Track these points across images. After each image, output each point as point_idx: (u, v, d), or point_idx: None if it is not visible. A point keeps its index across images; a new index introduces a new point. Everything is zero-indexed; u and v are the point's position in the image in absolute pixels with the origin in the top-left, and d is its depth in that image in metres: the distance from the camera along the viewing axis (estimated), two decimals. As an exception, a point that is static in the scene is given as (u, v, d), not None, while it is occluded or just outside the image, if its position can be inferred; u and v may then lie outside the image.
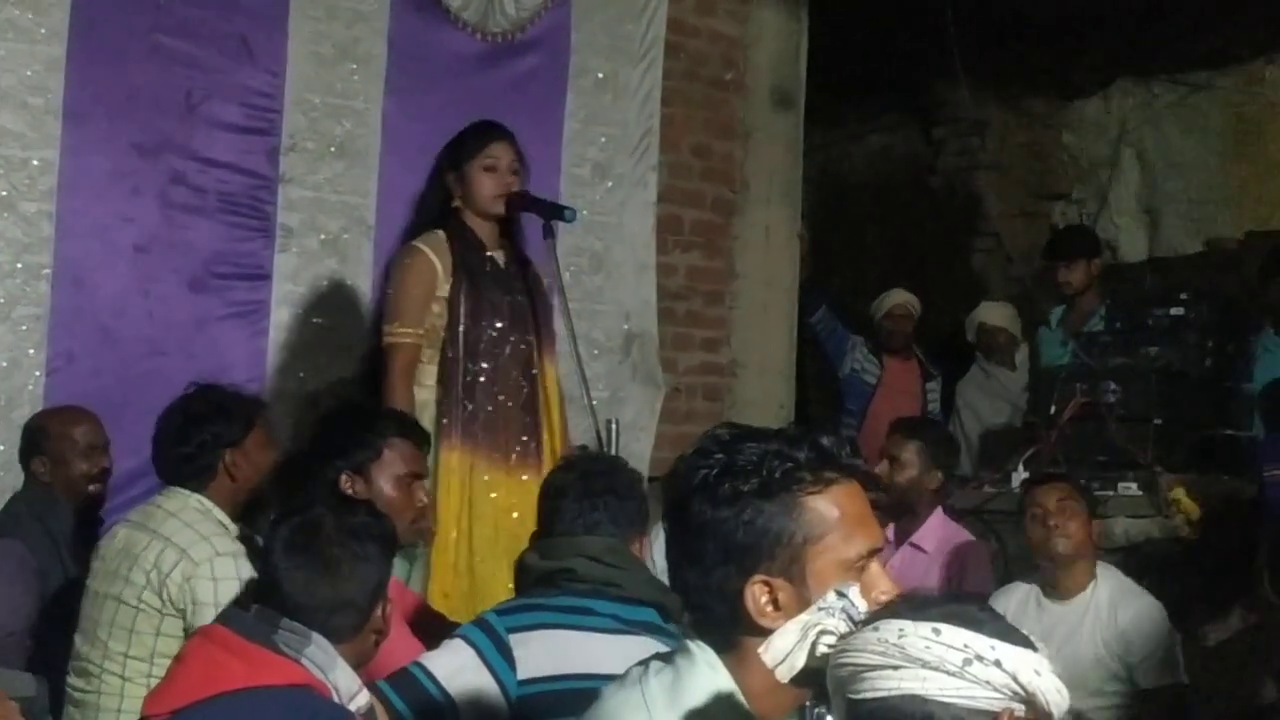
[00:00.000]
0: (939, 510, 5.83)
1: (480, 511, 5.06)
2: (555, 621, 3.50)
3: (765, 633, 2.26)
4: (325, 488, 4.03)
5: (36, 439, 5.16)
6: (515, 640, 3.45)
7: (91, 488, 5.17)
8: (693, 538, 2.30)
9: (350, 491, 4.07)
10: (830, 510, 2.29)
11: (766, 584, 2.25)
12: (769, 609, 2.25)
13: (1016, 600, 5.37)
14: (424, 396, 5.15)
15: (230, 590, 4.05)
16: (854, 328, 8.85)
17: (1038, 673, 1.98)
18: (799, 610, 2.25)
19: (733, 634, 2.30)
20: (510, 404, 5.16)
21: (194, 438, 4.30)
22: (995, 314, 8.79)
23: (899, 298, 8.81)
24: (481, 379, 5.12)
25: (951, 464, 6.09)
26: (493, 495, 5.07)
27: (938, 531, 5.75)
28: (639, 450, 6.86)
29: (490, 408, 5.12)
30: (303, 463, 4.27)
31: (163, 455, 4.37)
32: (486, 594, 4.94)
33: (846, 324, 8.84)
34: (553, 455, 5.10)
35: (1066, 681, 2.03)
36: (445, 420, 5.09)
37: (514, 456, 5.13)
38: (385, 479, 4.19)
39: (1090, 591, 5.32)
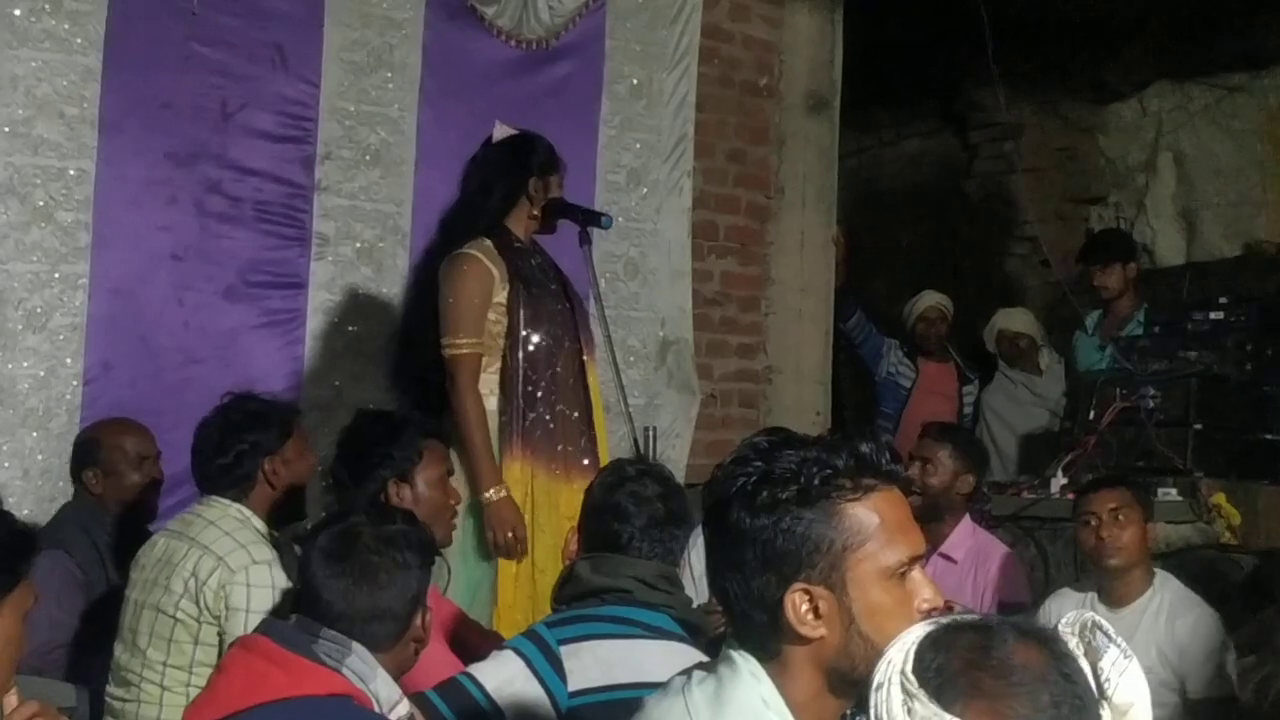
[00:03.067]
0: (966, 518, 5.76)
1: (541, 521, 5.06)
2: (604, 632, 3.50)
3: (806, 641, 2.24)
4: (370, 496, 4.05)
5: (89, 450, 5.18)
6: (566, 652, 3.44)
7: (143, 498, 5.17)
8: (732, 546, 2.29)
9: (397, 498, 4.11)
10: (870, 517, 2.27)
11: (807, 592, 2.24)
12: (809, 617, 2.24)
13: (1070, 607, 5.29)
14: (488, 406, 5.15)
15: (265, 598, 4.06)
16: (888, 331, 8.82)
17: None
18: (840, 618, 2.23)
19: (774, 642, 2.28)
20: (569, 413, 5.16)
21: (232, 447, 4.31)
22: (1014, 320, 8.75)
23: (931, 299, 8.78)
24: (542, 388, 5.11)
25: (983, 469, 6.04)
26: (553, 504, 5.07)
27: (967, 540, 5.68)
28: (675, 457, 6.85)
29: (549, 417, 5.12)
30: (342, 474, 4.26)
31: (202, 466, 4.37)
32: (547, 604, 4.93)
33: (880, 328, 8.81)
34: (596, 460, 5.08)
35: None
36: (508, 430, 5.08)
37: (571, 463, 5.12)
38: (426, 482, 4.26)
39: (1147, 599, 5.23)
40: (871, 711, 1.90)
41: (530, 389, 5.10)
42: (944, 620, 1.97)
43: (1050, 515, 6.47)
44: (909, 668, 1.89)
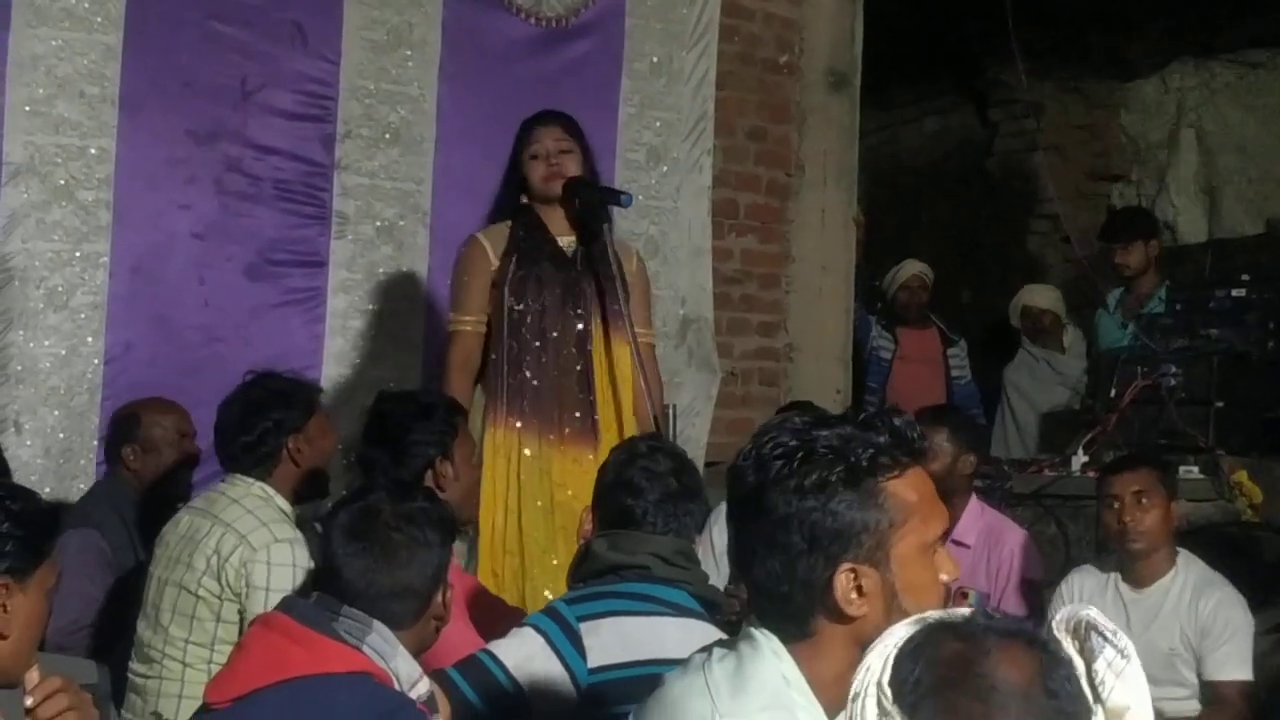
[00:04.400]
0: (973, 500, 5.71)
1: (530, 488, 5.04)
2: (624, 609, 3.49)
3: (848, 620, 2.25)
4: (415, 476, 4.08)
5: (128, 426, 5.18)
6: (586, 629, 3.44)
7: (177, 477, 5.18)
8: (774, 528, 2.28)
9: (442, 476, 4.18)
10: (909, 494, 2.29)
11: (853, 571, 2.24)
12: (854, 596, 2.24)
13: (1093, 585, 5.27)
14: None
15: (285, 576, 4.06)
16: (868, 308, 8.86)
17: None
18: (883, 596, 2.24)
19: (811, 622, 2.28)
20: (563, 379, 5.13)
21: (256, 425, 4.30)
22: (1040, 296, 8.73)
23: (914, 268, 8.84)
24: (528, 356, 5.10)
25: (982, 446, 6.01)
26: (542, 471, 5.06)
27: (977, 523, 5.61)
28: (695, 435, 6.85)
29: (537, 382, 5.10)
30: (379, 455, 4.27)
31: (225, 444, 4.37)
32: (538, 571, 4.94)
33: (872, 308, 8.84)
34: (620, 434, 5.06)
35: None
36: (491, 398, 5.09)
37: (567, 431, 5.11)
38: (463, 459, 4.28)
39: (1170, 579, 5.19)
40: None
41: (515, 356, 5.09)
42: (930, 620, 1.91)
43: (1071, 493, 6.45)
44: (886, 679, 1.86)
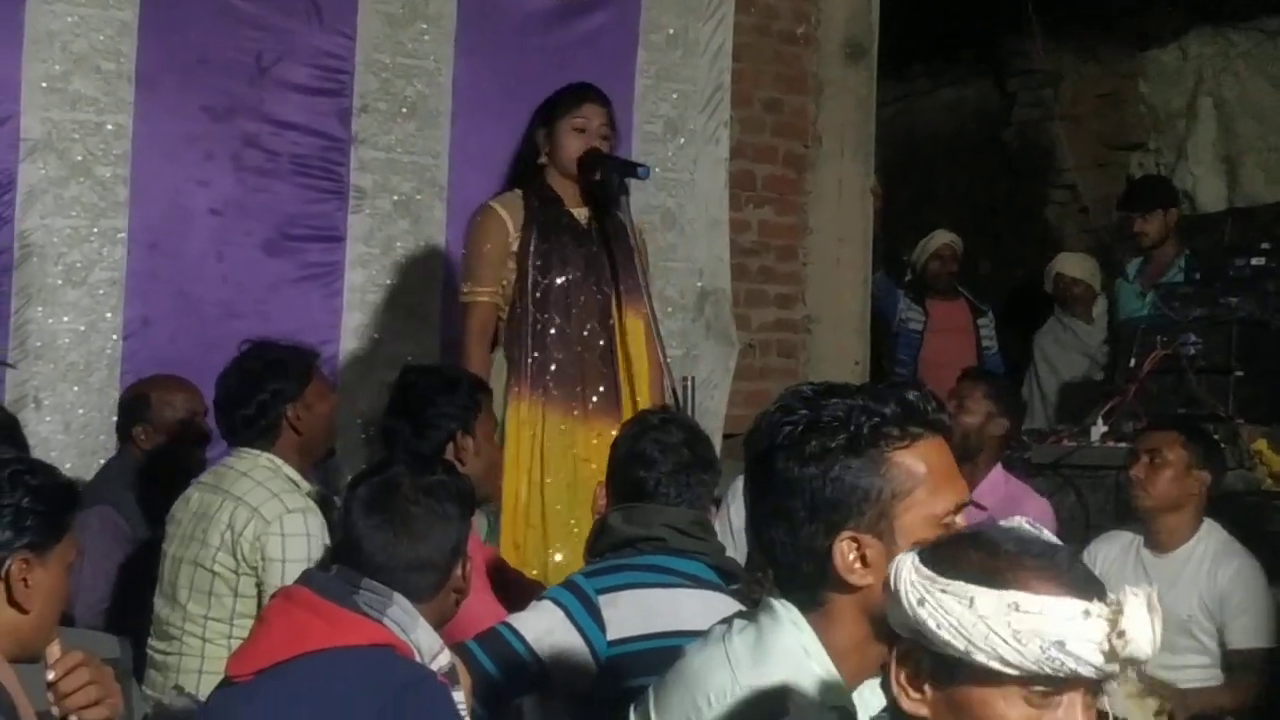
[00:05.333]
0: (999, 467, 5.71)
1: (553, 462, 5.05)
2: (642, 581, 3.51)
3: (853, 590, 2.24)
4: (436, 449, 4.08)
5: (138, 406, 5.17)
6: (604, 601, 3.45)
7: (190, 454, 5.18)
8: (779, 495, 2.28)
9: (463, 450, 4.19)
10: (917, 465, 2.27)
11: (855, 540, 2.23)
12: (857, 565, 2.23)
13: (1118, 549, 5.28)
14: (501, 357, 5.15)
15: (300, 546, 4.07)
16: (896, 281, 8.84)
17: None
18: (886, 567, 2.22)
19: (820, 591, 2.28)
20: (586, 354, 5.14)
21: (253, 397, 4.29)
22: (1073, 265, 8.70)
23: (944, 238, 8.81)
24: (552, 330, 5.10)
25: (1017, 415, 5.99)
26: (566, 444, 5.06)
27: (999, 489, 5.60)
28: (714, 408, 6.84)
29: (561, 357, 5.10)
30: (401, 427, 4.28)
31: (225, 417, 4.38)
32: (560, 544, 4.95)
33: (900, 281, 8.82)
34: (634, 407, 5.07)
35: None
36: (514, 371, 5.09)
37: (590, 405, 5.11)
38: (484, 434, 4.28)
39: (1191, 546, 5.19)
40: (939, 626, 1.86)
41: (539, 330, 5.09)
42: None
43: (1090, 464, 6.44)
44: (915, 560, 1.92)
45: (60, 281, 5.49)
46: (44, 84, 5.46)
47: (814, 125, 7.51)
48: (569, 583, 3.57)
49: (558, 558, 4.92)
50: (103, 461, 5.39)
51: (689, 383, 5.87)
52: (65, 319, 5.50)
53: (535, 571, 4.81)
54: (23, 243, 5.43)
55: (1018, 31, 9.21)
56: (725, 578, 3.61)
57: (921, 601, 1.87)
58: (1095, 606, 1.83)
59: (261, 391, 4.29)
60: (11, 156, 5.41)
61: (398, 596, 3.01)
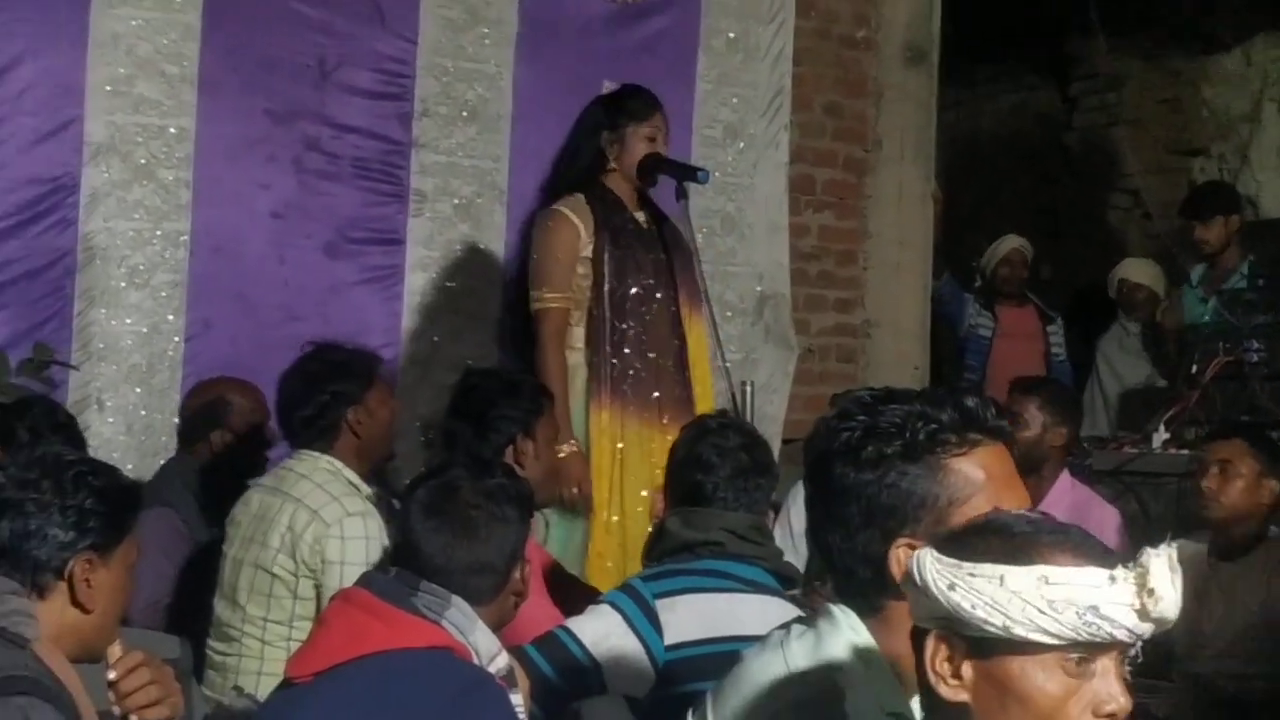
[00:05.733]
0: (1065, 473, 5.67)
1: (633, 469, 5.05)
2: (700, 585, 3.51)
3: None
4: (497, 452, 4.09)
5: (217, 410, 5.20)
6: (662, 605, 3.45)
7: (255, 456, 5.21)
8: (835, 501, 2.27)
9: (523, 453, 4.21)
10: (975, 472, 2.25)
11: (911, 547, 2.21)
12: (913, 571, 2.22)
13: (1186, 560, 5.22)
14: (575, 360, 5.15)
15: (358, 549, 4.08)
16: (965, 285, 8.79)
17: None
18: None
19: (877, 597, 2.26)
20: (661, 361, 5.15)
21: (315, 398, 4.30)
22: (1137, 270, 8.65)
23: (1014, 242, 8.75)
24: (630, 336, 5.11)
25: (1076, 421, 5.94)
26: (646, 452, 5.06)
27: (1067, 496, 5.56)
28: (772, 412, 6.83)
29: (639, 364, 5.11)
30: (461, 429, 4.29)
31: (286, 419, 4.40)
32: (639, 552, 4.94)
33: (968, 285, 8.78)
34: (694, 412, 5.07)
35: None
36: (594, 380, 5.09)
37: (667, 415, 5.12)
38: (544, 439, 4.29)
39: (1256, 555, 5.15)
40: (974, 607, 1.88)
41: (618, 338, 5.11)
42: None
43: (1152, 470, 6.39)
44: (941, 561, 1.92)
45: (123, 284, 5.52)
46: (108, 87, 5.50)
47: (874, 129, 7.49)
48: (627, 586, 3.57)
49: (636, 566, 4.90)
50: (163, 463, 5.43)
51: (748, 387, 5.86)
52: (128, 321, 5.54)
53: (615, 579, 4.79)
54: (86, 245, 5.47)
55: (1080, 35, 9.16)
56: (783, 583, 3.61)
57: (952, 586, 1.88)
58: (1119, 571, 1.86)
59: (322, 393, 4.30)
60: (75, 160, 5.45)
61: (456, 599, 3.02)
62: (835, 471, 2.27)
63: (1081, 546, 1.90)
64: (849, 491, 2.25)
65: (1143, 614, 1.85)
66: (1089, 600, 1.84)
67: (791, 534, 5.35)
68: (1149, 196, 9.26)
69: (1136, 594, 1.84)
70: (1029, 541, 1.90)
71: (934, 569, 1.91)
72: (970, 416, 2.28)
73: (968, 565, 1.89)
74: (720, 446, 3.72)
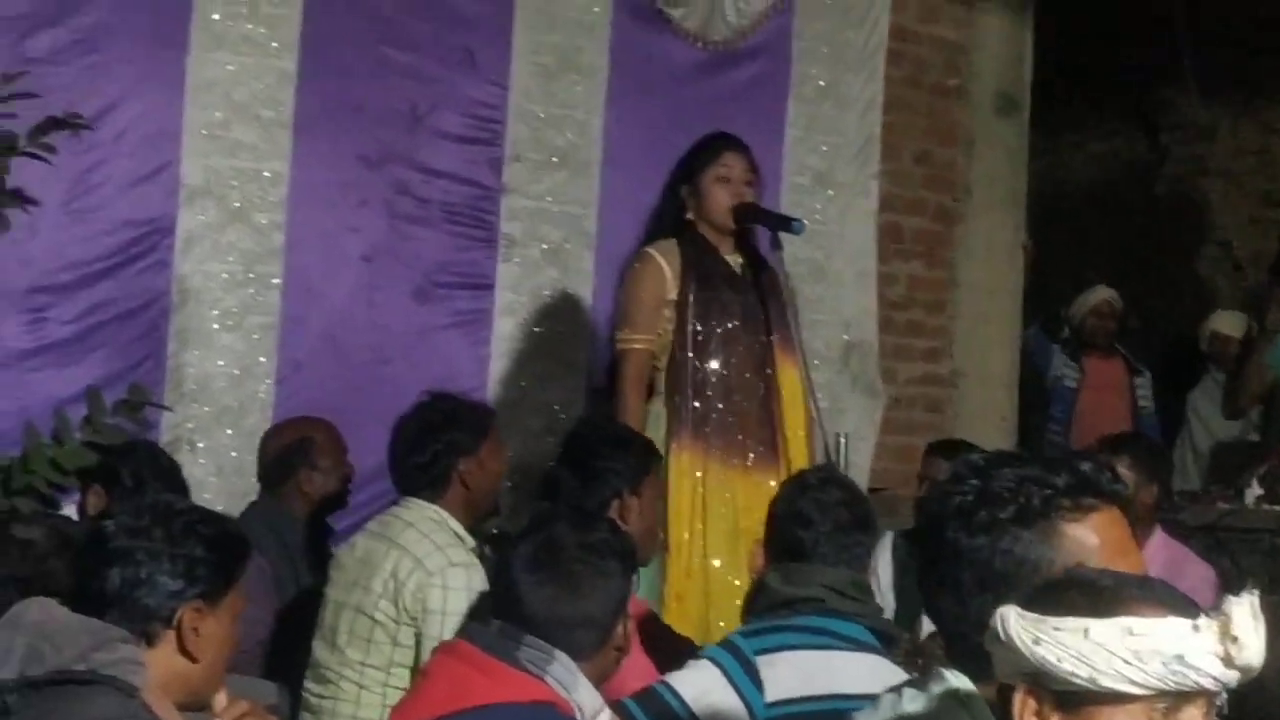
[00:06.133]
0: (1159, 531, 5.61)
1: (715, 512, 5.03)
2: (801, 642, 3.48)
3: None
4: (601, 505, 4.07)
5: (305, 450, 5.20)
6: (763, 662, 3.43)
7: (338, 496, 5.24)
8: (948, 565, 2.25)
9: (626, 508, 4.18)
10: (1090, 538, 2.22)
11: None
12: (1026, 638, 2.20)
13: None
14: (658, 406, 5.13)
15: (460, 600, 4.07)
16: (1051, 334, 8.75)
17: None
18: None
19: (989, 662, 2.23)
20: (746, 403, 5.12)
21: (429, 446, 4.31)
22: (1228, 323, 8.59)
23: (1105, 294, 8.73)
24: (713, 378, 5.09)
25: (1167, 477, 5.88)
26: (728, 495, 5.04)
27: (1161, 553, 5.49)
28: (859, 461, 6.78)
29: (722, 406, 5.09)
30: (568, 478, 4.28)
31: (399, 464, 4.39)
32: (720, 596, 4.92)
33: (1055, 335, 8.72)
34: (788, 458, 5.05)
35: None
36: (675, 421, 5.07)
37: (751, 457, 5.09)
38: (649, 497, 4.27)
39: None
40: (1060, 660, 1.89)
41: (700, 379, 5.08)
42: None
43: (1245, 526, 6.32)
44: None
45: (216, 326, 5.56)
46: (204, 131, 5.54)
47: (964, 178, 7.45)
48: (727, 642, 3.54)
49: (718, 610, 4.88)
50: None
51: (843, 440, 5.83)
52: (220, 362, 5.57)
53: (694, 624, 4.78)
54: (180, 287, 5.50)
55: (1171, 85, 9.10)
56: (884, 640, 3.58)
57: (1037, 641, 1.90)
58: (1203, 621, 1.87)
59: (437, 441, 4.31)
60: (171, 202, 5.50)
61: (559, 654, 3.00)
62: (948, 535, 2.24)
63: (1164, 598, 1.92)
64: (962, 556, 2.23)
65: (1227, 661, 1.86)
66: (1174, 650, 1.85)
67: (879, 586, 5.32)
68: (1240, 248, 9.18)
69: (1220, 641, 1.85)
70: (1112, 594, 1.91)
71: (1018, 625, 1.92)
72: (1085, 481, 2.25)
73: (1052, 620, 1.89)
74: (821, 502, 3.70)
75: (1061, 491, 2.22)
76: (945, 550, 2.25)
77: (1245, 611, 1.86)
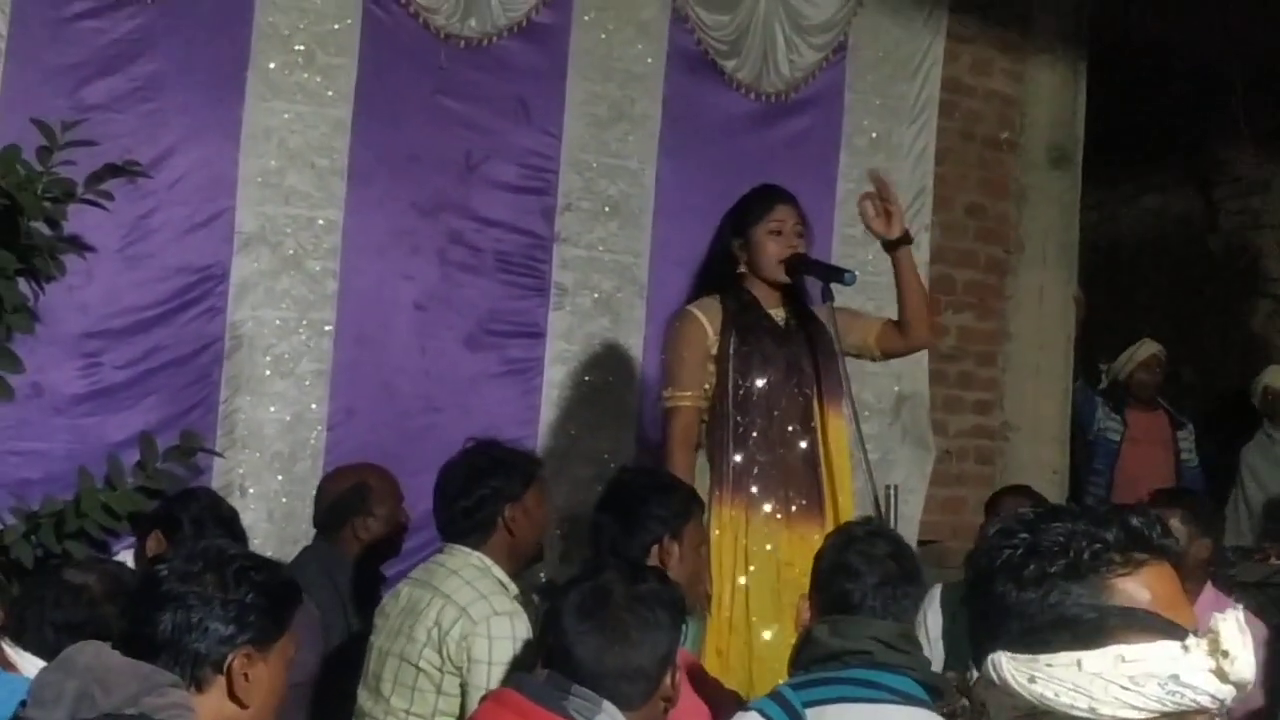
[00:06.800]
0: (1209, 586, 5.57)
1: (757, 566, 5.02)
2: (849, 695, 3.46)
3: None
4: (641, 552, 4.07)
5: (362, 496, 5.19)
6: (811, 715, 3.41)
7: (392, 543, 5.24)
8: (996, 618, 2.24)
9: (667, 555, 4.13)
10: (1140, 593, 2.20)
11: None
12: (1076, 694, 2.19)
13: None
14: (702, 459, 5.13)
15: (505, 649, 4.06)
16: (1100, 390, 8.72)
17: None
18: None
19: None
20: (789, 457, 5.10)
21: (475, 492, 4.30)
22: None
23: (1152, 348, 8.70)
24: (755, 433, 5.08)
25: (1218, 532, 5.84)
26: (769, 548, 5.02)
27: (1211, 608, 5.46)
28: (909, 513, 6.78)
29: (764, 459, 5.07)
30: (610, 525, 4.27)
31: (443, 510, 4.39)
32: (763, 650, 4.90)
33: (1098, 389, 8.69)
34: (835, 510, 5.04)
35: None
36: (716, 475, 5.06)
37: (794, 509, 5.07)
38: (691, 544, 4.24)
39: None
40: (1058, 695, 1.91)
41: (741, 433, 5.07)
42: None
43: (1297, 583, 6.28)
44: None
45: (269, 372, 5.59)
46: (259, 179, 5.58)
47: (1016, 231, 7.46)
48: (776, 695, 3.53)
49: (761, 663, 4.87)
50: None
51: (893, 491, 5.82)
52: (272, 409, 5.60)
53: (738, 677, 4.76)
54: (233, 333, 5.54)
55: (1224, 139, 9.07)
56: (932, 694, 3.56)
57: (1033, 679, 1.93)
58: (1191, 640, 1.91)
59: (483, 487, 4.30)
60: (226, 249, 5.54)
61: (607, 704, 3.00)
62: (997, 589, 2.23)
63: (1149, 624, 1.94)
64: (1010, 610, 2.22)
65: (1221, 676, 1.88)
66: (1169, 670, 1.88)
67: (928, 637, 5.29)
68: (1294, 303, 9.14)
69: (1211, 656, 1.89)
70: (1096, 627, 1.94)
71: (1010, 667, 1.96)
72: (1135, 535, 2.24)
73: (1043, 657, 1.94)
74: (868, 554, 3.69)
75: (1112, 546, 2.21)
76: (994, 604, 2.24)
77: (1232, 626, 1.90)
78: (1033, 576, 2.19)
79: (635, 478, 4.45)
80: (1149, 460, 8.27)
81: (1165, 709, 1.87)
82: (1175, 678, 1.87)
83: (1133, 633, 1.92)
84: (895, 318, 5.30)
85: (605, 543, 4.16)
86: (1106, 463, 8.54)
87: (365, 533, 5.18)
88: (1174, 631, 1.92)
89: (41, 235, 4.77)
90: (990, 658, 1.98)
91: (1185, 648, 1.89)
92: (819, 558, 3.84)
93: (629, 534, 4.20)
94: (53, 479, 5.12)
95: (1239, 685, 1.89)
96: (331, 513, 5.24)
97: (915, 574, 3.78)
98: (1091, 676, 1.89)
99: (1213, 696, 1.88)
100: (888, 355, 5.39)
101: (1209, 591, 5.52)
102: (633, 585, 3.14)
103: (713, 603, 4.91)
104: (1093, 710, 1.88)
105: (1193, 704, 1.87)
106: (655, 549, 4.19)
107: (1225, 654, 1.88)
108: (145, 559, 4.66)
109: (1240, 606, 1.94)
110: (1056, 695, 1.90)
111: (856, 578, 3.65)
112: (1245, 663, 1.88)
